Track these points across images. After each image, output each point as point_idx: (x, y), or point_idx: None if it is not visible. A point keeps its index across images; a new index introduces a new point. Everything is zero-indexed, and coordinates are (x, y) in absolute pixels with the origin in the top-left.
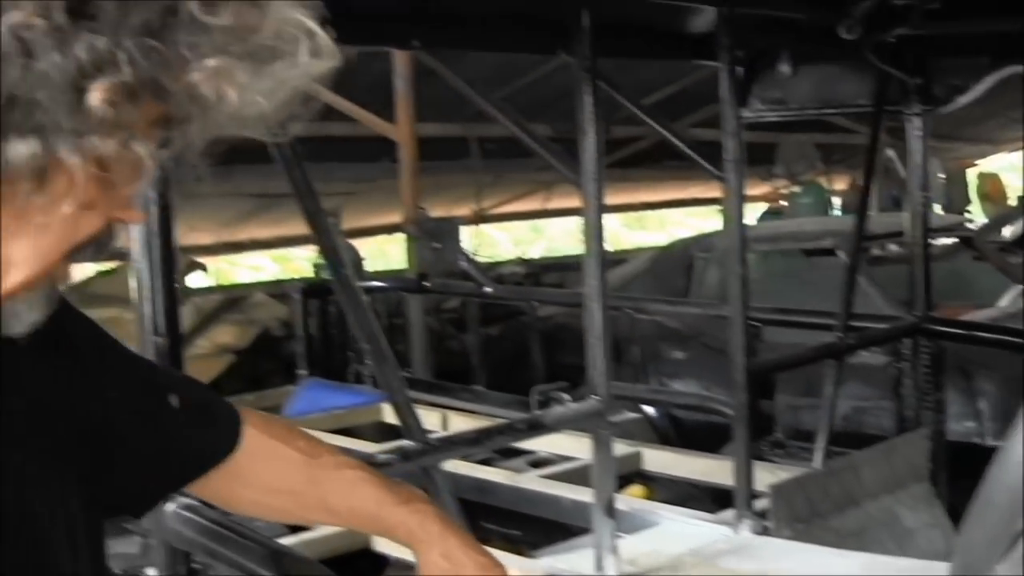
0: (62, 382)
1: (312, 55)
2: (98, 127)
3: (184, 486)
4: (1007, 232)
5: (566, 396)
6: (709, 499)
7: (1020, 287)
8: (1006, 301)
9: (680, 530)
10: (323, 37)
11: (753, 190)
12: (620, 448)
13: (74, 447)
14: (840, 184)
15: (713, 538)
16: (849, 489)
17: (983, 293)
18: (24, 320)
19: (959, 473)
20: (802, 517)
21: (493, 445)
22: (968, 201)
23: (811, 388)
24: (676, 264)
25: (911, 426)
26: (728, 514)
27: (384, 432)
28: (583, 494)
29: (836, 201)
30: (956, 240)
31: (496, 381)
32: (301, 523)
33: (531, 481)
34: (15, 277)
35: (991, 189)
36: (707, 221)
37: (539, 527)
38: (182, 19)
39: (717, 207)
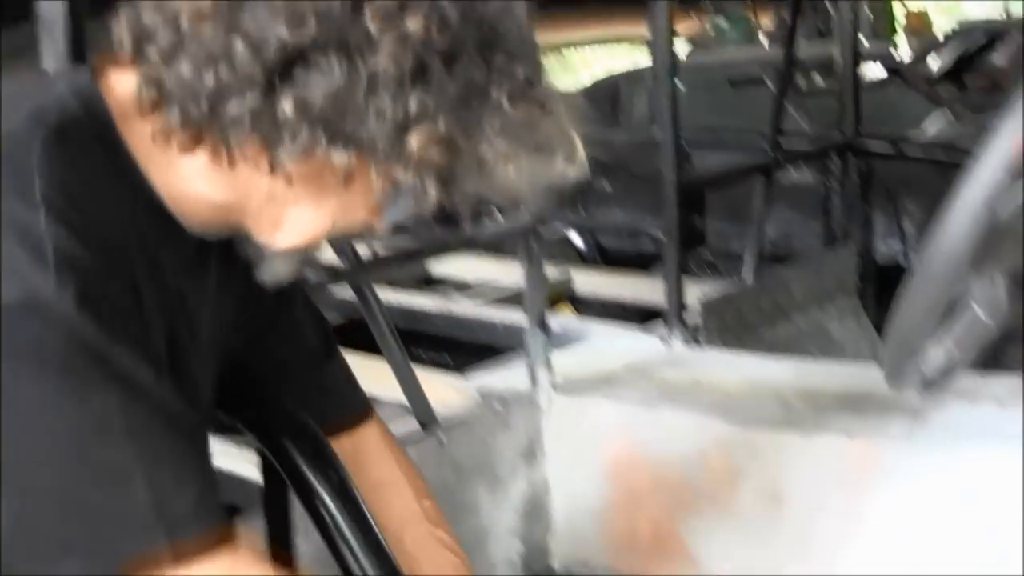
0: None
1: (566, 161)
2: (405, 160)
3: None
4: (934, 66)
5: (497, 212)
6: (639, 320)
7: (944, 113)
8: (930, 126)
9: (612, 344)
10: (580, 150)
11: (678, 26)
12: (551, 273)
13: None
14: (766, 19)
15: (645, 351)
16: (779, 302)
17: (911, 121)
18: (275, 271)
19: (885, 291)
20: (733, 330)
21: (426, 258)
22: (894, 32)
23: (740, 214)
24: (603, 97)
25: (839, 244)
26: (660, 328)
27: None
28: (515, 317)
29: (763, 39)
30: (885, 75)
31: None
32: None
33: (461, 306)
34: (287, 239)
35: (917, 24)
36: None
37: (472, 352)
38: (491, 103)
39: (642, 44)
